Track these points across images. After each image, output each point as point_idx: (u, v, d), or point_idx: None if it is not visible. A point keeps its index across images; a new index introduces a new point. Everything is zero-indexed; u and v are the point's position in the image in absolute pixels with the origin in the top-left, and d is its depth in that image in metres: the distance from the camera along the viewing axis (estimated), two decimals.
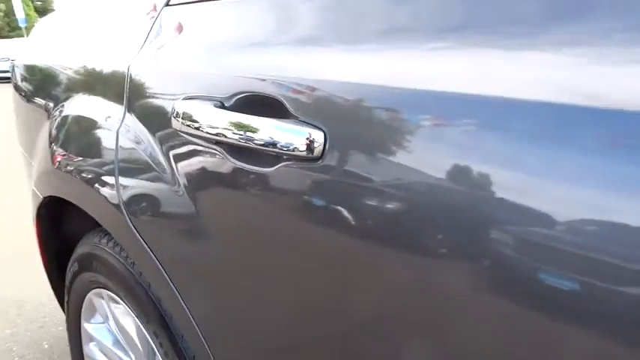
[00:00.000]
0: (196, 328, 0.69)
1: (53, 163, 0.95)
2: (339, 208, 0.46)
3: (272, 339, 0.59)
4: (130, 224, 0.74)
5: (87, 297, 1.08)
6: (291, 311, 0.54)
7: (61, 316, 1.90)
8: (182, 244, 0.69)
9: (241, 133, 0.53)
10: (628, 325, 0.31)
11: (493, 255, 0.37)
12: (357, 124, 0.45)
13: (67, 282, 1.13)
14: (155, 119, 0.69)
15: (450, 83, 0.39)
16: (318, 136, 0.46)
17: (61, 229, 1.21)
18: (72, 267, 1.08)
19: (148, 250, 0.72)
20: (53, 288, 1.31)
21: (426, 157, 0.40)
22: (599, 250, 0.32)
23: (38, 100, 1.12)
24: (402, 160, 0.41)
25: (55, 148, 0.95)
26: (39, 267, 1.27)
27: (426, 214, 0.40)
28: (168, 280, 0.71)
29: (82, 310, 1.13)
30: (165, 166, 0.65)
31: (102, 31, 0.97)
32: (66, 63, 1.01)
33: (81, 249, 1.04)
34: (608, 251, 0.32)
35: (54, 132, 0.96)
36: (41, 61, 1.15)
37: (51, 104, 1.01)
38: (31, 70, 1.22)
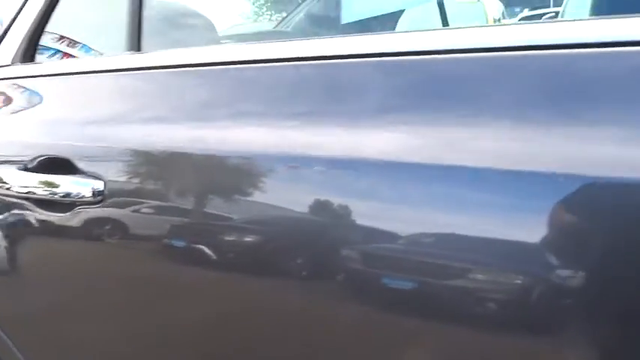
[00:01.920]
0: None
1: None
2: (124, 236, 0.62)
3: None
4: None
5: None
6: (116, 334, 0.66)
7: None
8: (9, 295, 0.78)
9: (45, 188, 0.68)
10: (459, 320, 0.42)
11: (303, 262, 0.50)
12: (126, 174, 0.62)
13: None
14: None
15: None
16: (99, 185, 0.62)
17: None
18: None
19: None
20: None
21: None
22: (430, 257, 0.43)
23: None
24: (162, 195, 0.59)
25: None
26: None
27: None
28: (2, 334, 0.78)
29: None
30: None
31: None
32: None
33: None
34: (439, 257, 0.43)
35: None
36: None
37: None
38: None
